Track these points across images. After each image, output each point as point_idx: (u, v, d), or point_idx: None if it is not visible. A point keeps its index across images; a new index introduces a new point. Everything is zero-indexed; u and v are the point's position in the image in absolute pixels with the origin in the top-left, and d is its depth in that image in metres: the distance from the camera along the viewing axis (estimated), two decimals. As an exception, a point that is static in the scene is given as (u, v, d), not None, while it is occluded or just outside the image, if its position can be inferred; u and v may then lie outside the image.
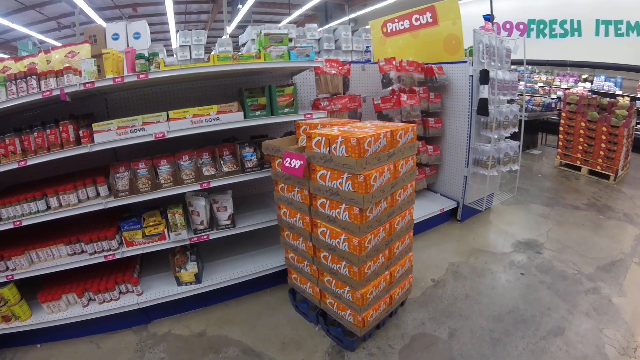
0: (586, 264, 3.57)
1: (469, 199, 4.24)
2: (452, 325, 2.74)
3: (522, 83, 10.97)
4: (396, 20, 4.66)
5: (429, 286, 3.17)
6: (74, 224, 2.86)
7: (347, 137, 2.04)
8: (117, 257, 2.75)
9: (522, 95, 9.87)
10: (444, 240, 4.01)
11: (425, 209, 4.08)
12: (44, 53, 2.77)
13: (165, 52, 3.23)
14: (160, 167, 2.72)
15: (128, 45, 3.02)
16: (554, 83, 10.64)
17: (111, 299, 2.86)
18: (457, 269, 3.42)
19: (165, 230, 2.78)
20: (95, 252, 2.73)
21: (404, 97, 3.57)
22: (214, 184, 2.73)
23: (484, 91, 3.56)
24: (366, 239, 2.21)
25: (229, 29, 11.74)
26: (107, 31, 3.00)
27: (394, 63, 3.60)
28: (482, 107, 3.58)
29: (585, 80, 10.01)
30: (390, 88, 3.57)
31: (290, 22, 14.33)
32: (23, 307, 2.71)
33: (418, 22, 4.36)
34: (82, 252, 2.75)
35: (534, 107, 8.11)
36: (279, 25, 14.93)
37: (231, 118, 2.67)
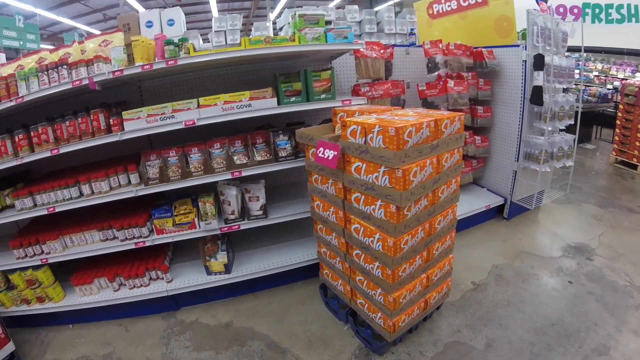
0: (639, 275, 3.22)
1: (518, 196, 3.90)
2: (489, 335, 2.51)
3: (576, 71, 10.22)
4: (443, 1, 4.32)
5: (469, 289, 2.94)
6: (109, 210, 2.88)
7: (385, 126, 1.85)
8: (147, 244, 2.74)
9: (577, 84, 9.21)
10: (488, 240, 3.72)
11: (469, 204, 3.78)
12: (79, 43, 2.77)
13: (200, 38, 3.14)
14: (191, 155, 2.66)
15: (162, 32, 2.96)
16: (610, 72, 9.77)
17: (141, 285, 2.88)
18: (501, 272, 3.15)
19: (196, 219, 2.74)
20: (126, 238, 2.73)
21: (450, 83, 3.29)
22: (246, 173, 2.63)
23: (539, 78, 3.20)
24: (402, 240, 2.03)
25: (272, 15, 11.60)
26: (140, 19, 2.95)
27: (440, 46, 3.30)
28: (536, 95, 3.22)
29: None
30: (436, 73, 3.28)
31: (335, 6, 14.04)
32: (57, 289, 2.78)
33: (467, 3, 4.01)
34: (114, 238, 2.77)
35: (589, 97, 7.45)
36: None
37: (264, 105, 2.54)
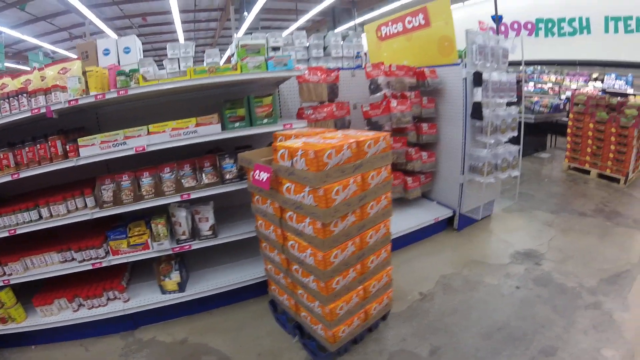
0: (588, 276, 3.34)
1: (466, 207, 4.05)
2: (435, 342, 2.62)
3: (531, 84, 10.72)
4: (390, 23, 4.54)
5: (416, 300, 3.05)
6: (69, 232, 3.00)
7: (306, 149, 2.01)
8: (104, 265, 2.85)
9: (529, 96, 9.59)
10: (438, 251, 3.85)
11: (418, 218, 3.93)
12: (39, 70, 2.94)
13: (154, 65, 3.31)
14: (142, 179, 2.80)
15: (119, 60, 3.14)
16: (564, 83, 10.17)
17: (99, 305, 2.97)
18: (449, 282, 3.27)
19: (149, 240, 2.86)
20: (84, 260, 2.84)
21: (393, 102, 3.47)
22: (194, 195, 2.77)
23: (477, 94, 3.40)
24: (332, 254, 2.17)
25: (237, 36, 11.89)
26: (98, 47, 3.13)
27: (382, 68, 3.49)
28: (476, 110, 3.42)
29: (596, 79, 9.52)
30: (381, 93, 3.46)
31: (298, 28, 14.36)
32: (19, 310, 2.87)
33: (411, 25, 4.23)
34: (73, 259, 2.88)
35: (541, 108, 7.78)
36: (285, 32, 15.00)
37: (209, 131, 2.70)
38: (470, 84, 3.52)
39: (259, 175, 2.37)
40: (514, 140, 3.96)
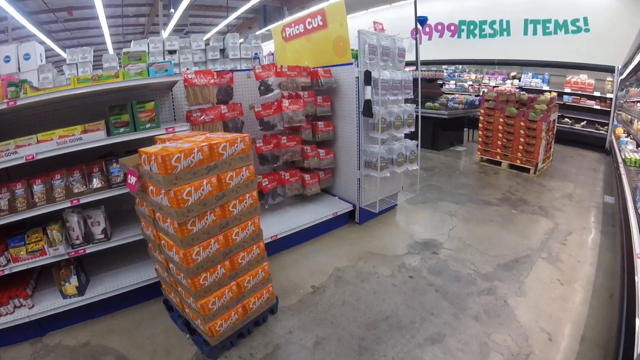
0: (485, 263, 3.50)
1: (365, 202, 4.22)
2: (320, 334, 2.76)
3: (452, 82, 11.45)
4: (293, 24, 4.69)
5: (307, 293, 3.19)
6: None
7: (157, 154, 2.16)
8: (6, 272, 2.98)
9: (450, 93, 10.18)
10: (336, 245, 3.99)
11: (317, 213, 4.08)
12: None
13: (54, 71, 3.43)
14: (35, 187, 2.92)
15: (19, 67, 3.27)
16: (483, 81, 10.95)
17: (7, 313, 3.09)
18: (342, 274, 3.42)
19: (45, 246, 2.99)
20: (-16, 268, 2.98)
21: (285, 102, 3.62)
22: (84, 200, 2.89)
23: (367, 92, 3.57)
24: (192, 251, 2.31)
25: (165, 33, 11.80)
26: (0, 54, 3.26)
27: (272, 69, 3.63)
28: (367, 108, 3.58)
29: (514, 77, 10.25)
30: (272, 94, 3.60)
31: (228, 25, 14.44)
32: None
33: (311, 26, 4.37)
34: (-26, 268, 3.01)
35: (456, 105, 8.25)
36: (213, 30, 14.93)
37: (94, 137, 2.83)
38: (362, 82, 3.67)
39: (130, 179, 2.52)
40: (413, 136, 4.12)
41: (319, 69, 3.97)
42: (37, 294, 3.24)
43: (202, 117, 3.19)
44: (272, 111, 3.64)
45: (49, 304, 3.07)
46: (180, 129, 2.95)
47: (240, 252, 2.58)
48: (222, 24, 14.32)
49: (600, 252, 3.78)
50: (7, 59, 3.29)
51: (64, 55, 9.25)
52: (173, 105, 3.43)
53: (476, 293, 3.12)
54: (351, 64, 3.88)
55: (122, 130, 2.90)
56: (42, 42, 12.28)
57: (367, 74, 3.54)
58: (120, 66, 3.20)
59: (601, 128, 8.56)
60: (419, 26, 6.58)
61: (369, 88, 3.57)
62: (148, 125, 2.92)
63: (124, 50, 2.88)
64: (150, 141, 3.10)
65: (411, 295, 3.11)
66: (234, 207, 2.48)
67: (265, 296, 2.81)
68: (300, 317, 2.94)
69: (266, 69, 3.57)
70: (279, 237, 3.65)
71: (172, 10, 10.57)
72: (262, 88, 3.57)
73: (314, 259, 3.73)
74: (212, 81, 3.23)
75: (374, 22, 3.70)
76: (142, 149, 2.37)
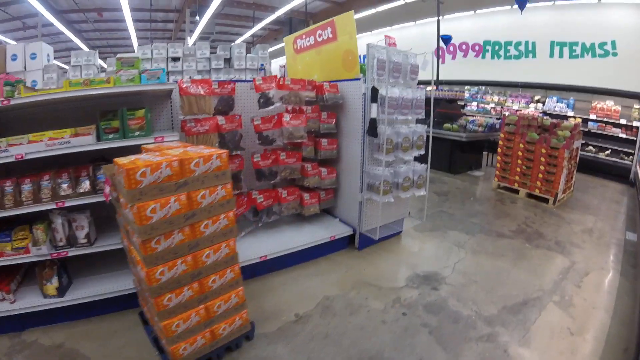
0: (490, 304, 3.13)
1: (367, 227, 3.90)
2: None
3: (474, 103, 10.93)
4: (304, 36, 4.47)
5: (290, 321, 2.94)
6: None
7: (124, 167, 2.02)
8: (-11, 266, 2.95)
9: (472, 115, 9.61)
10: (331, 270, 3.69)
11: (314, 235, 3.81)
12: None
13: (57, 73, 3.40)
14: (23, 186, 2.88)
15: (25, 66, 3.26)
16: (506, 104, 10.39)
17: (-10, 305, 3.07)
18: (330, 304, 3.14)
19: (30, 245, 2.93)
20: (-29, 261, 2.95)
21: (286, 117, 3.40)
22: (69, 203, 2.81)
23: (373, 110, 3.29)
24: (156, 271, 2.14)
25: (190, 40, 11.88)
26: (7, 52, 3.26)
27: (273, 81, 3.42)
28: (371, 127, 3.30)
29: (538, 101, 9.65)
30: (271, 107, 3.38)
31: (254, 35, 14.33)
32: None
33: (321, 38, 4.14)
34: (-39, 260, 2.99)
35: (476, 127, 7.77)
36: (239, 39, 14.84)
37: (82, 141, 2.74)
38: (368, 99, 3.41)
39: (105, 187, 2.39)
40: (424, 159, 3.80)
41: (324, 83, 3.75)
42: (22, 290, 3.19)
43: (197, 127, 3.04)
44: (271, 125, 3.44)
45: (30, 301, 3.01)
46: (169, 139, 2.82)
47: (211, 275, 2.39)
48: (248, 34, 14.44)
49: (618, 296, 3.34)
50: (14, 57, 3.30)
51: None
52: (172, 114, 3.30)
53: (474, 339, 2.77)
54: (359, 79, 3.63)
55: (111, 136, 2.80)
56: (70, 41, 12.74)
57: (374, 91, 3.28)
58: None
59: (626, 158, 7.94)
60: (442, 44, 6.25)
61: (374, 106, 3.30)
62: (137, 133, 2.80)
63: (118, 55, 2.76)
64: (138, 149, 2.98)
65: (401, 335, 2.81)
66: (205, 227, 2.29)
67: (238, 323, 2.60)
68: (276, 347, 2.71)
69: (267, 81, 3.38)
70: (269, 257, 3.44)
71: (197, 17, 10.64)
72: (261, 100, 3.38)
73: (304, 284, 3.47)
74: (209, 91, 3.07)
75: (386, 36, 3.44)
76: (117, 159, 2.23)
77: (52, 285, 2.98)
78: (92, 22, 13.15)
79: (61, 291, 2.99)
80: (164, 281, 2.19)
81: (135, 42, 13.70)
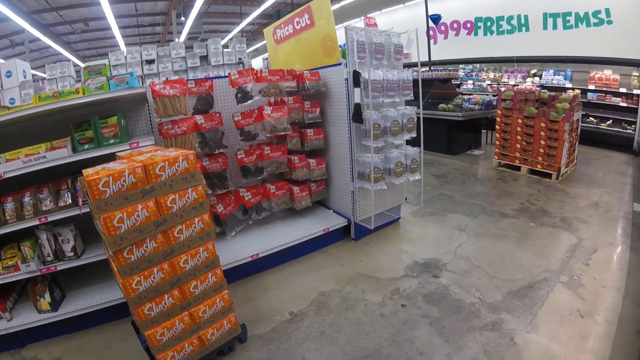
0: (494, 289, 2.92)
1: (361, 216, 3.69)
2: None
3: (470, 82, 10.53)
4: (282, 25, 4.22)
5: (284, 320, 2.79)
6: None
7: (88, 177, 1.88)
8: (-19, 286, 2.86)
9: (468, 94, 9.33)
10: (327, 264, 3.49)
11: (307, 228, 3.61)
12: None
13: (32, 89, 3.27)
14: (6, 204, 2.77)
15: (2, 84, 3.15)
16: (502, 80, 10.00)
17: (-12, 325, 3.00)
18: (326, 300, 2.97)
19: (19, 262, 2.84)
20: (-36, 283, 2.87)
21: (267, 110, 3.21)
22: (52, 218, 2.70)
23: (357, 95, 3.06)
24: (132, 281, 2.01)
25: (179, 41, 11.65)
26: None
27: (250, 74, 3.22)
28: (356, 113, 3.09)
29: (534, 75, 9.28)
30: (250, 102, 3.20)
31: (242, 31, 13.99)
32: None
33: (299, 26, 3.89)
34: (-46, 283, 2.92)
35: (472, 105, 7.41)
36: (227, 36, 14.46)
37: (57, 155, 2.61)
38: (351, 84, 3.18)
39: (79, 200, 2.26)
40: (416, 142, 3.56)
41: (304, 72, 3.53)
42: (18, 307, 3.11)
43: (174, 129, 2.88)
44: (252, 120, 3.25)
45: (26, 317, 2.92)
46: (145, 144, 2.66)
47: (191, 281, 2.25)
48: (236, 30, 14.05)
49: (629, 273, 3.10)
50: (-8, 76, 3.16)
51: (82, 65, 9.30)
52: (150, 118, 3.16)
53: (478, 328, 2.57)
54: (340, 64, 3.41)
55: (86, 146, 2.67)
56: (58, 54, 12.64)
57: (355, 74, 3.05)
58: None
59: (628, 127, 7.53)
60: (432, 24, 5.92)
61: (357, 90, 3.08)
62: (112, 141, 2.66)
63: (85, 64, 2.61)
64: (114, 157, 2.84)
65: (400, 329, 2.62)
66: (179, 232, 2.15)
67: (227, 326, 2.45)
68: (270, 348, 2.56)
69: (243, 75, 3.18)
70: (260, 255, 3.28)
71: (182, 18, 10.42)
72: (239, 95, 3.19)
73: (299, 280, 3.29)
74: (183, 91, 2.90)
75: (365, 17, 3.20)
76: (85, 170, 2.09)
77: (45, 300, 2.88)
78: (79, 33, 13.01)
79: (54, 305, 2.90)
80: (142, 291, 2.06)
81: (124, 49, 13.56)
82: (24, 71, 3.14)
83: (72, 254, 2.83)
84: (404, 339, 2.53)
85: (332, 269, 3.41)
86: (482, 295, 2.90)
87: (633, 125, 7.39)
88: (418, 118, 3.62)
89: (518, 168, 5.90)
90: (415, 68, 4.62)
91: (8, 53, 12.54)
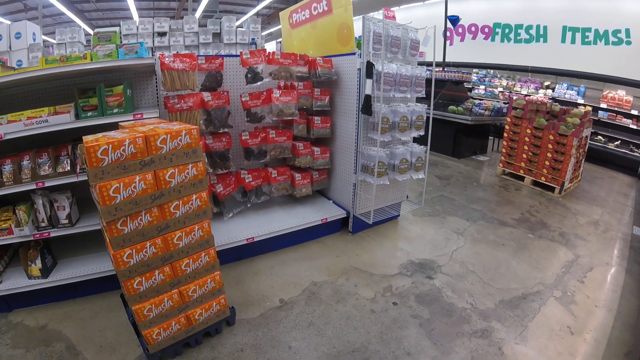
0: (486, 297, 2.88)
1: (361, 210, 3.64)
2: (273, 358, 2.34)
3: (482, 87, 10.40)
4: (299, 10, 4.13)
5: (274, 307, 2.76)
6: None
7: (87, 144, 1.83)
8: (-27, 247, 2.83)
9: (479, 99, 9.12)
10: (321, 255, 3.45)
11: (304, 217, 3.56)
12: None
13: (43, 52, 3.21)
14: (4, 166, 2.73)
15: (10, 45, 3.09)
16: (515, 89, 9.86)
17: (-25, 286, 2.97)
18: (317, 290, 2.93)
19: (12, 226, 2.80)
20: (-44, 242, 2.83)
21: (276, 93, 3.14)
22: (49, 183, 2.65)
23: (368, 86, 2.99)
24: (124, 253, 1.97)
25: (194, 18, 11.38)
26: (-7, 31, 3.08)
27: (262, 55, 3.15)
28: (366, 104, 3.01)
29: (547, 87, 9.13)
30: (259, 83, 3.11)
31: (258, 13, 13.72)
32: None
33: (316, 11, 3.81)
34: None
35: (482, 111, 7.29)
36: (242, 18, 14.13)
37: (60, 120, 2.56)
38: (363, 75, 3.11)
39: (77, 167, 2.22)
40: (422, 140, 3.49)
41: (317, 58, 3.45)
42: (9, 271, 3.08)
43: (180, 104, 2.82)
44: (260, 102, 3.19)
45: (15, 282, 2.89)
46: (149, 116, 2.61)
47: (184, 259, 2.21)
48: (252, 12, 13.70)
49: (623, 295, 3.06)
50: (-1, 37, 3.10)
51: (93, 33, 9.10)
52: (157, 91, 3.10)
53: (468, 334, 2.54)
54: (354, 53, 3.33)
55: (90, 114, 2.62)
56: (71, 21, 12.46)
57: (369, 65, 2.98)
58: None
59: (636, 150, 7.46)
60: (450, 25, 5.81)
61: (369, 82, 3.00)
62: (116, 110, 2.61)
63: (95, 30, 2.54)
64: (117, 127, 2.79)
65: (389, 326, 2.58)
66: (176, 208, 2.09)
67: (216, 308, 2.41)
68: (257, 334, 2.53)
69: (255, 55, 3.11)
70: (256, 239, 3.23)
71: None
72: (249, 75, 3.12)
73: (292, 268, 3.25)
74: (193, 66, 2.84)
75: (385, 9, 3.12)
76: (86, 137, 2.03)
77: (36, 266, 2.85)
78: (93, 2, 12.75)
79: (45, 272, 2.86)
80: (133, 264, 2.02)
81: (137, 20, 13.33)
82: (33, 34, 3.07)
83: (66, 221, 2.78)
84: (392, 337, 2.49)
85: (326, 260, 3.37)
86: (475, 302, 2.86)
87: (641, 149, 7.32)
88: (427, 117, 3.56)
89: (522, 178, 5.84)
90: (429, 67, 4.53)
91: (20, 17, 12.02)
